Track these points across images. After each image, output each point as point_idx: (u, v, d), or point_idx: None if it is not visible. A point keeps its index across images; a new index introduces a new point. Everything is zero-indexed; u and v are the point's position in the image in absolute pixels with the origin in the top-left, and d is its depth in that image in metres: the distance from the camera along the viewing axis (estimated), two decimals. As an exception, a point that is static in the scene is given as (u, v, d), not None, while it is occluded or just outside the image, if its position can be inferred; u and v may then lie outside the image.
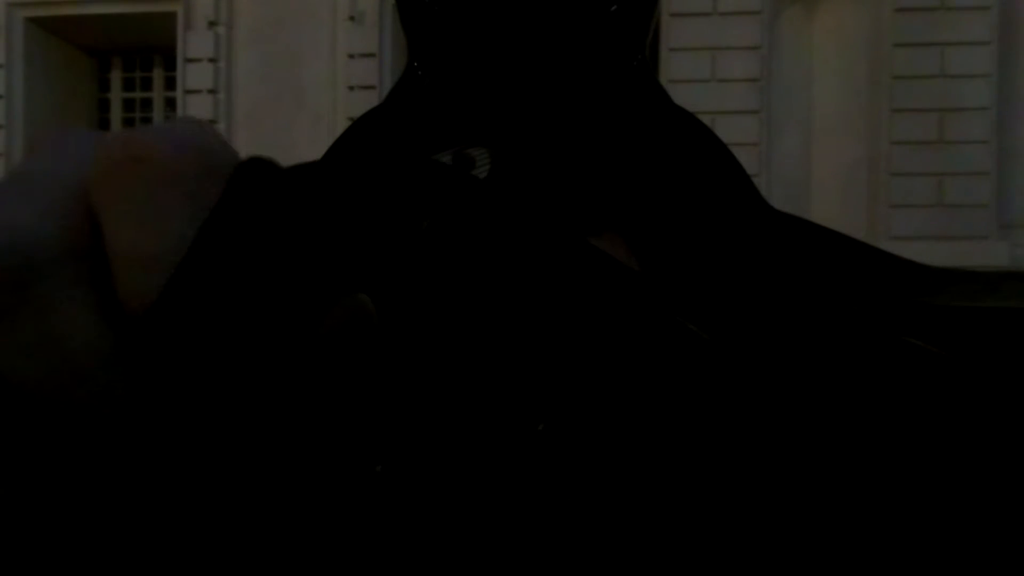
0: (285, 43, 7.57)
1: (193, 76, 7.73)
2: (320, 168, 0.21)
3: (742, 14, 6.98)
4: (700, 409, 0.21)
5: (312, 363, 0.19)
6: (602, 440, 0.21)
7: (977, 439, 0.22)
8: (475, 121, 0.35)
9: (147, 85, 8.72)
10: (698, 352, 0.21)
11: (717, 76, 6.99)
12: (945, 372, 0.22)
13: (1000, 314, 0.28)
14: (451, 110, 0.35)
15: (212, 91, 7.70)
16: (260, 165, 0.20)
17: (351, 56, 7.41)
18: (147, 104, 8.73)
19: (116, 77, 8.79)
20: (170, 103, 8.33)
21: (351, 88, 7.38)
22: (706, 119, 0.38)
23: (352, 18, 7.41)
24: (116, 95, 8.82)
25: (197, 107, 7.71)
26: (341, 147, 0.36)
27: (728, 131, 5.04)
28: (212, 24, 7.70)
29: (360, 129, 0.37)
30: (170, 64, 8.14)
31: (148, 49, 8.43)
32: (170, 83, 8.29)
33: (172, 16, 7.74)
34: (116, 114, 8.83)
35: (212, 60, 7.69)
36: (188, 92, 7.75)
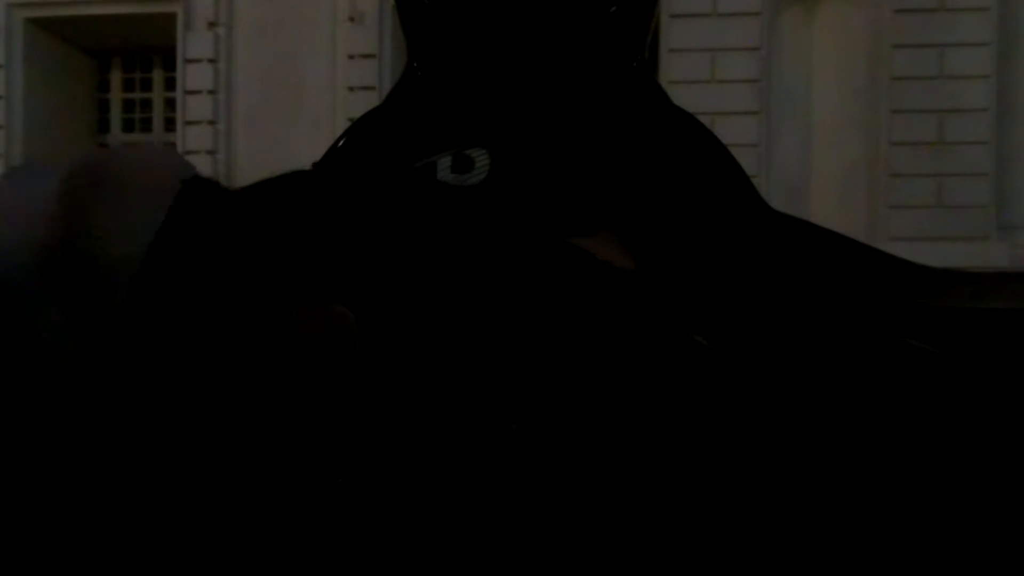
0: (285, 43, 7.57)
1: (193, 77, 7.73)
2: (290, 182, 0.22)
3: (742, 15, 6.98)
4: (691, 407, 0.21)
5: (285, 368, 0.19)
6: (586, 439, 0.21)
7: (978, 438, 0.22)
8: (474, 122, 0.35)
9: (147, 86, 8.71)
10: (690, 351, 0.21)
11: (717, 77, 6.99)
12: (944, 373, 0.22)
13: (1000, 315, 0.28)
14: (451, 111, 0.36)
15: (212, 92, 7.69)
16: (206, 183, 0.21)
17: (351, 57, 7.41)
18: (147, 104, 8.73)
19: (116, 77, 8.78)
20: (170, 103, 8.33)
21: (351, 89, 7.38)
22: (706, 120, 0.39)
23: (352, 19, 7.41)
24: (116, 95, 8.81)
25: (197, 108, 7.71)
26: (339, 149, 0.36)
27: (728, 132, 5.03)
28: (212, 25, 7.70)
29: (360, 130, 0.37)
30: (170, 64, 8.14)
31: (148, 49, 8.43)
32: (170, 84, 8.29)
33: (172, 16, 7.74)
34: (116, 114, 8.83)
35: (212, 61, 7.69)
36: (188, 93, 7.74)
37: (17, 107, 7.98)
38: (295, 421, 0.19)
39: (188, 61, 7.74)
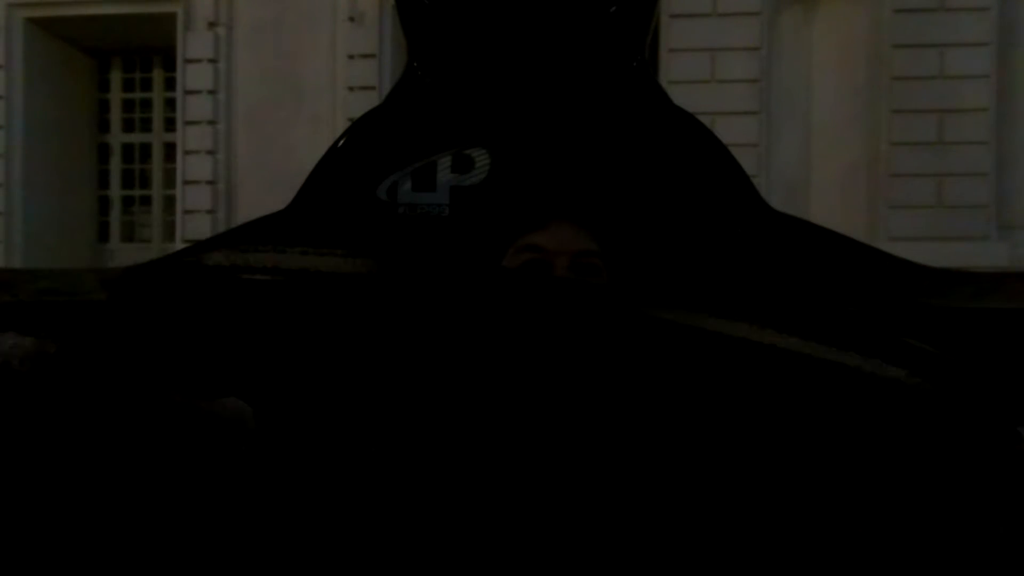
0: (285, 43, 7.57)
1: (193, 76, 7.73)
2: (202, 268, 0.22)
3: (742, 15, 6.98)
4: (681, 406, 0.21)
5: (185, 455, 0.19)
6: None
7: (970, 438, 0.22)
8: (474, 121, 0.35)
9: (147, 86, 8.71)
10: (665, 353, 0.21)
11: (716, 77, 6.99)
12: (941, 372, 0.22)
13: (1000, 315, 0.28)
14: (451, 110, 0.36)
15: (212, 91, 7.69)
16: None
17: (351, 57, 7.41)
18: (147, 104, 8.73)
19: (116, 77, 8.78)
20: (170, 103, 8.33)
21: (351, 89, 7.38)
22: (706, 120, 0.39)
23: (352, 19, 7.41)
24: (116, 95, 8.81)
25: (197, 108, 7.71)
26: (339, 149, 0.36)
27: (728, 132, 5.04)
28: (212, 24, 7.70)
29: (360, 130, 0.37)
30: (170, 64, 8.14)
31: (148, 49, 8.43)
32: (170, 83, 8.29)
33: (172, 16, 7.74)
34: (116, 114, 8.83)
35: (212, 60, 7.69)
36: (188, 92, 7.74)
37: (17, 107, 7.98)
38: (195, 498, 0.19)
39: (188, 61, 7.74)
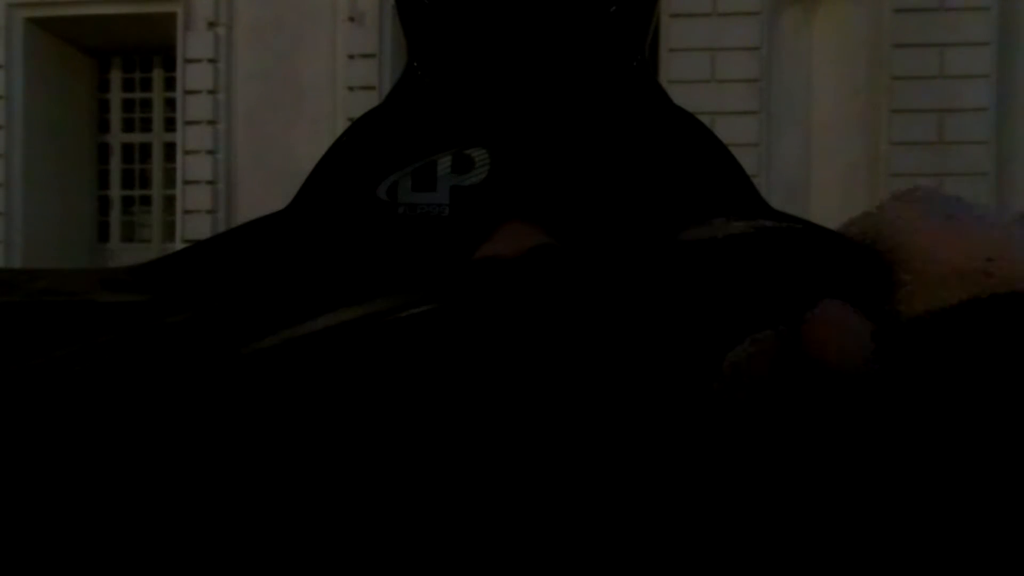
0: (285, 43, 7.57)
1: (193, 76, 7.73)
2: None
3: (742, 15, 6.98)
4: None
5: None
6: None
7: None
8: (475, 121, 0.35)
9: (147, 85, 8.71)
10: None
11: (716, 77, 6.99)
12: None
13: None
14: (451, 110, 0.35)
15: (212, 91, 7.69)
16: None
17: (351, 56, 7.41)
18: (147, 104, 8.73)
19: (116, 77, 8.78)
20: (170, 103, 8.33)
21: (351, 88, 7.38)
22: (706, 120, 0.38)
23: (352, 18, 7.41)
24: (116, 95, 8.81)
25: (197, 107, 7.71)
26: (338, 149, 0.36)
27: (728, 132, 5.04)
28: (212, 24, 7.70)
29: (360, 130, 0.37)
30: (170, 64, 8.14)
31: (148, 49, 8.43)
32: (170, 83, 8.29)
33: (172, 16, 7.74)
34: (116, 114, 8.83)
35: (212, 60, 7.69)
36: (188, 92, 7.74)
37: (17, 107, 7.98)
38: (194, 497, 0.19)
39: (188, 61, 7.74)
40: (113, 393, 0.19)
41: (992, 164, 6.81)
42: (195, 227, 7.58)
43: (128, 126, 8.82)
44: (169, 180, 8.36)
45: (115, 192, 8.85)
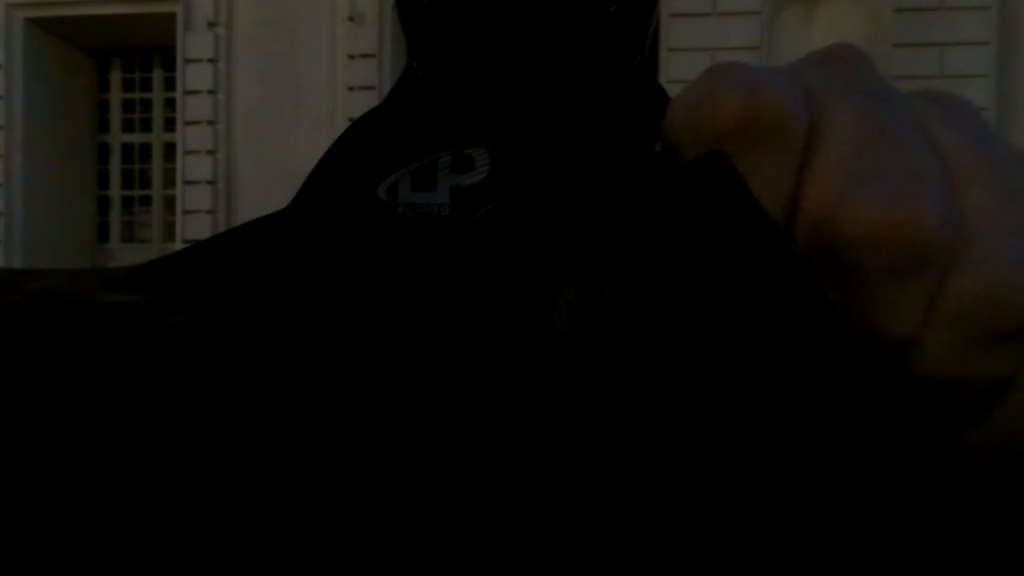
0: (285, 43, 7.57)
1: (193, 76, 7.73)
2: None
3: (742, 14, 6.98)
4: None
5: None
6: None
7: None
8: (475, 121, 0.35)
9: (147, 86, 8.72)
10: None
11: (717, 76, 6.99)
12: None
13: None
14: (451, 110, 0.35)
15: (212, 91, 7.70)
16: None
17: (351, 57, 7.42)
18: (147, 104, 8.74)
19: (116, 77, 8.79)
20: (170, 103, 8.34)
21: (351, 89, 7.38)
22: (706, 119, 0.38)
23: (352, 19, 7.42)
24: (116, 95, 8.82)
25: (197, 108, 7.71)
26: (338, 149, 0.36)
27: (728, 131, 5.02)
28: (212, 24, 7.70)
29: (360, 130, 0.37)
30: (170, 64, 8.15)
31: (148, 49, 8.44)
32: (170, 83, 8.30)
33: (172, 16, 7.75)
34: (116, 114, 8.84)
35: (212, 60, 7.70)
36: (187, 93, 7.75)
37: (17, 107, 7.99)
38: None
39: (188, 61, 7.74)
40: (113, 393, 0.20)
41: (992, 164, 6.81)
42: (195, 227, 7.59)
43: (128, 126, 8.83)
44: (169, 180, 8.37)
45: (115, 192, 8.85)
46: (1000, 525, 0.19)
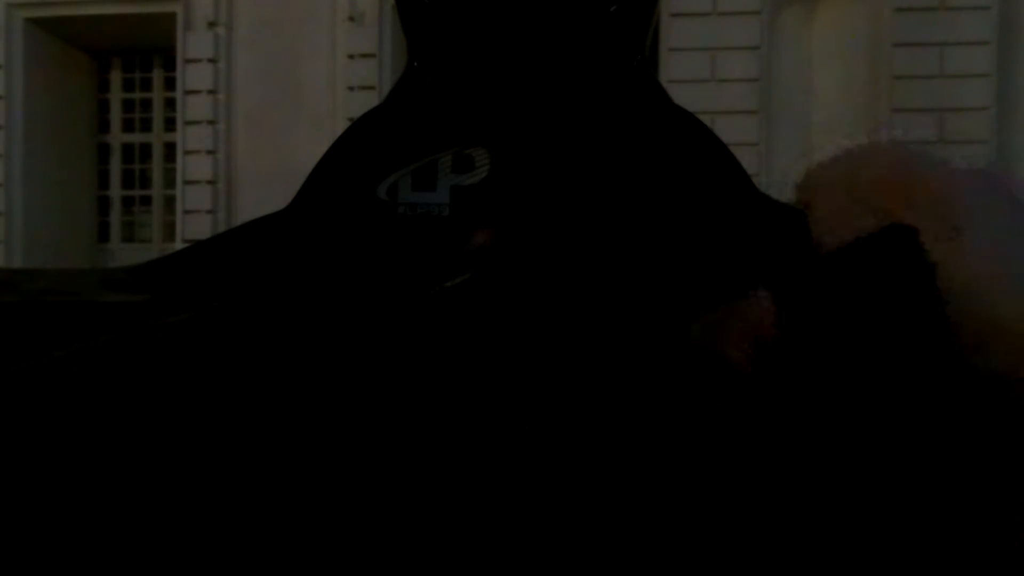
0: (285, 43, 7.57)
1: (193, 76, 7.73)
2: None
3: (742, 14, 6.98)
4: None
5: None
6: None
7: None
8: (475, 121, 0.35)
9: (147, 85, 8.71)
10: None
11: (717, 76, 6.99)
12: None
13: None
14: (451, 109, 0.35)
15: (212, 91, 7.69)
16: None
17: (351, 56, 7.41)
18: (147, 104, 8.73)
19: (116, 77, 8.79)
20: (170, 103, 8.33)
21: (351, 88, 7.38)
22: (705, 119, 0.38)
23: (352, 18, 7.41)
24: (116, 95, 8.81)
25: (197, 108, 7.71)
26: (338, 149, 0.36)
27: (727, 131, 5.04)
28: (212, 24, 7.70)
29: (360, 130, 0.37)
30: (170, 64, 8.14)
31: (148, 49, 8.43)
32: (170, 83, 8.29)
33: (172, 16, 7.74)
34: (116, 114, 8.83)
35: (212, 60, 7.69)
36: (188, 92, 7.74)
37: (17, 107, 7.98)
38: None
39: (188, 61, 7.74)
40: (113, 392, 0.20)
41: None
42: (195, 227, 7.58)
43: (128, 126, 8.83)
44: (169, 180, 8.37)
45: (115, 192, 8.85)
46: None
